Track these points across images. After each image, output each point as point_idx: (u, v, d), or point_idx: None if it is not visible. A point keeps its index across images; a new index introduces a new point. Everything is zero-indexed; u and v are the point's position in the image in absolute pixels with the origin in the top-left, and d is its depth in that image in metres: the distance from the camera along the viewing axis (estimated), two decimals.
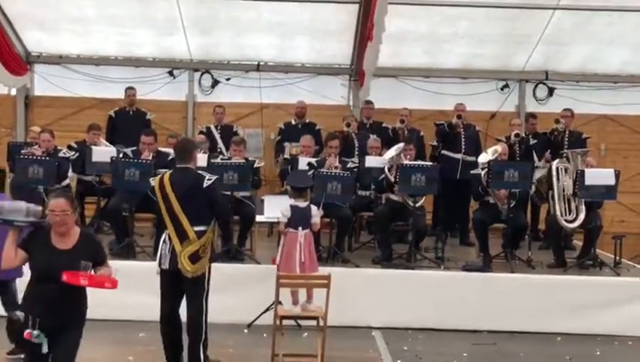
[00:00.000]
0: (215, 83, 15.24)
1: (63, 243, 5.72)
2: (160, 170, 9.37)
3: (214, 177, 7.55)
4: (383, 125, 13.46)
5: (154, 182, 7.57)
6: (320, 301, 7.89)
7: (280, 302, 8.05)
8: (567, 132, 12.84)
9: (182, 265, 7.24)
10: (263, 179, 12.05)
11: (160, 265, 7.41)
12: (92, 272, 5.62)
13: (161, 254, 7.42)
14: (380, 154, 11.45)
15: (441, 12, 13.46)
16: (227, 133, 13.24)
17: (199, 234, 7.31)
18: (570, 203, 10.69)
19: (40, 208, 5.80)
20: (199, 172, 7.60)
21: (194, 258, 7.28)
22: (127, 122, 13.50)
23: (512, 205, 10.59)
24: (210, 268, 7.52)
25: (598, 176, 10.53)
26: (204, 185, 7.37)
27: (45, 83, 15.17)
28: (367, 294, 9.72)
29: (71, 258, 5.62)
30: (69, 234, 5.76)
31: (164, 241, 7.41)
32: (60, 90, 14.99)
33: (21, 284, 6.50)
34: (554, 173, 10.86)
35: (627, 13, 13.38)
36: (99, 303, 9.22)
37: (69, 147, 11.69)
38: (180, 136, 12.69)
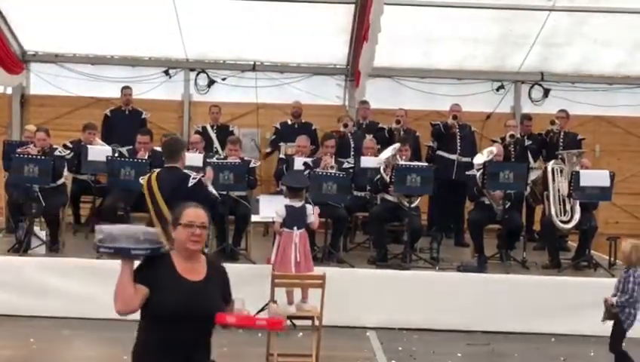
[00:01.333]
0: (211, 82, 15.24)
1: (193, 273, 4.49)
2: (154, 170, 9.41)
3: (199, 176, 7.58)
4: (379, 125, 13.48)
5: (143, 181, 7.60)
6: (315, 301, 7.90)
7: (275, 302, 8.06)
8: (562, 133, 12.89)
9: None
10: (259, 178, 12.06)
11: None
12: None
13: None
14: (376, 155, 11.47)
15: (437, 13, 13.46)
16: (223, 133, 13.25)
17: None
18: (565, 204, 10.71)
19: (156, 230, 4.64)
20: (185, 171, 7.63)
21: None
22: (123, 121, 13.49)
23: (507, 206, 10.61)
24: None
25: (593, 177, 10.55)
26: (190, 184, 7.40)
27: (41, 82, 15.14)
28: (362, 294, 9.73)
29: (206, 291, 4.48)
30: (199, 260, 4.56)
31: None
32: (55, 88, 14.98)
33: None
34: (549, 174, 10.90)
35: (622, 15, 13.39)
36: (93, 302, 9.28)
37: (65, 146, 11.68)
38: (170, 135, 12.70)
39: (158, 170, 7.72)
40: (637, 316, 7.87)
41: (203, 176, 7.78)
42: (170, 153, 7.66)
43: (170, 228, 4.57)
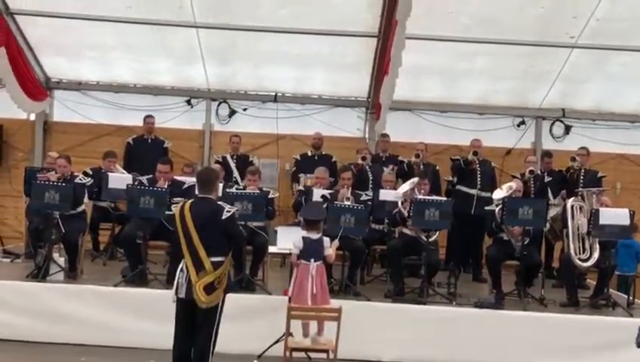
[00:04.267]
0: (232, 113, 15.33)
1: None
2: (176, 199, 9.45)
3: (234, 209, 7.54)
4: (399, 158, 13.48)
5: (175, 210, 7.58)
6: (331, 333, 7.87)
7: (291, 334, 8.04)
8: (582, 170, 12.83)
9: (197, 295, 7.23)
10: (277, 209, 12.08)
11: (177, 293, 7.41)
12: None
13: (177, 283, 7.41)
14: (395, 188, 11.47)
15: (459, 47, 13.51)
16: (243, 163, 13.30)
17: (216, 266, 7.29)
18: (584, 242, 10.65)
19: None
20: (219, 203, 7.59)
21: (209, 289, 7.26)
22: (145, 150, 13.61)
23: (525, 242, 10.55)
24: (224, 298, 7.50)
25: (613, 215, 10.49)
26: (223, 216, 7.36)
27: (64, 109, 15.28)
28: (378, 328, 9.67)
29: None
30: None
31: (181, 270, 7.40)
32: (78, 116, 15.12)
33: None
34: (569, 211, 10.83)
35: None
36: (110, 329, 9.29)
37: (85, 173, 11.73)
38: (196, 165, 12.75)
39: (191, 200, 7.68)
40: None
41: (237, 210, 7.76)
42: (203, 183, 7.63)
43: None
